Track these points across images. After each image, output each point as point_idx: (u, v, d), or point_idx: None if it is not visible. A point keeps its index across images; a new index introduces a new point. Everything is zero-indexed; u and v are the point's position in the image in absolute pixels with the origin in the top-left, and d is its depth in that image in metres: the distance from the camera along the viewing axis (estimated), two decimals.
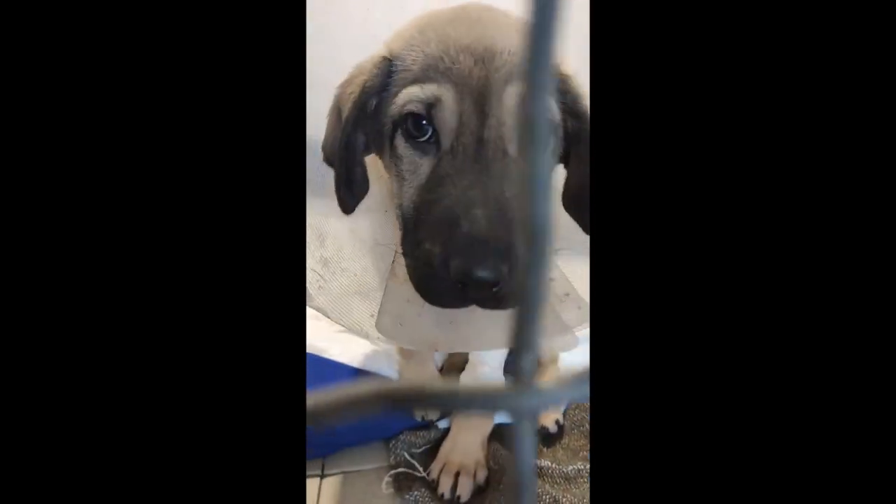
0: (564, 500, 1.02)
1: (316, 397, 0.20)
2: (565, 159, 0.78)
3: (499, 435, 1.14)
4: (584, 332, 0.83)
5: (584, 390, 0.20)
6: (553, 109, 0.73)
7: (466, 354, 1.09)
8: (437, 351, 0.85)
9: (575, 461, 1.12)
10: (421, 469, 1.09)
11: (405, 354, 1.11)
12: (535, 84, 0.14)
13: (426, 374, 1.13)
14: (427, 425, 1.18)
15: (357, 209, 0.77)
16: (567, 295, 0.77)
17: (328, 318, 0.76)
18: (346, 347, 1.05)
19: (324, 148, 0.76)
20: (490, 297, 0.64)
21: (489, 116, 0.67)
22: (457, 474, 1.07)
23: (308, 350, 0.95)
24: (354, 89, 0.73)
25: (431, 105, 0.68)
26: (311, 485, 1.07)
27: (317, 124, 0.74)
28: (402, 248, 0.72)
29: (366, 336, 0.76)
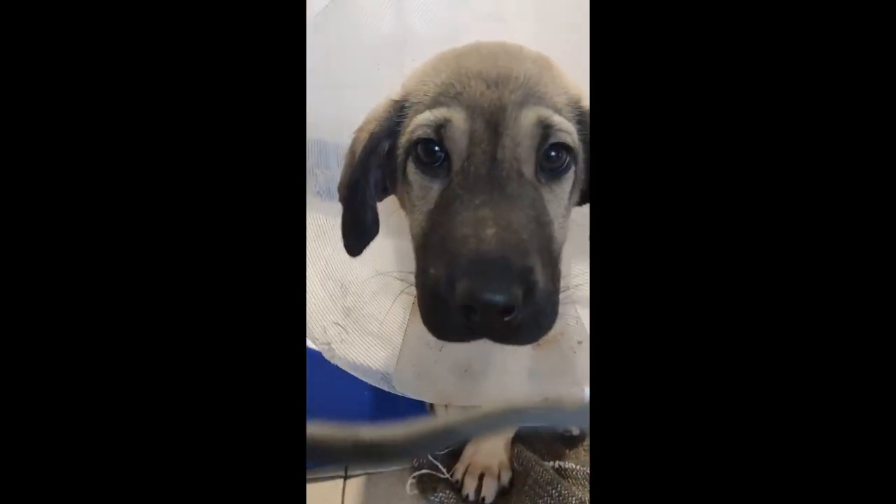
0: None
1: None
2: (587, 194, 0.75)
3: (522, 436, 1.16)
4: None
5: None
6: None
7: None
8: (449, 405, 0.83)
9: None
10: (444, 471, 1.12)
11: None
12: None
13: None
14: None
15: (385, 250, 0.76)
16: (580, 343, 0.75)
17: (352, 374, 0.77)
18: None
19: (339, 189, 0.75)
20: (502, 326, 0.57)
21: (503, 136, 0.64)
22: (481, 476, 1.10)
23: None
24: (365, 135, 0.71)
25: (441, 126, 0.65)
26: (335, 486, 1.11)
27: None
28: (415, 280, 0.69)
29: (391, 389, 0.76)
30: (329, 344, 0.75)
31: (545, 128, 0.64)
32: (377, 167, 0.74)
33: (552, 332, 0.64)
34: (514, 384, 0.72)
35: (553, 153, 0.66)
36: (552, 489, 1.02)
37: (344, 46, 0.80)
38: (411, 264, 0.68)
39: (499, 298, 0.54)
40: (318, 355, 0.92)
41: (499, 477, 1.10)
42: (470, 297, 0.55)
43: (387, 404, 0.87)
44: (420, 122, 0.66)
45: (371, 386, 0.78)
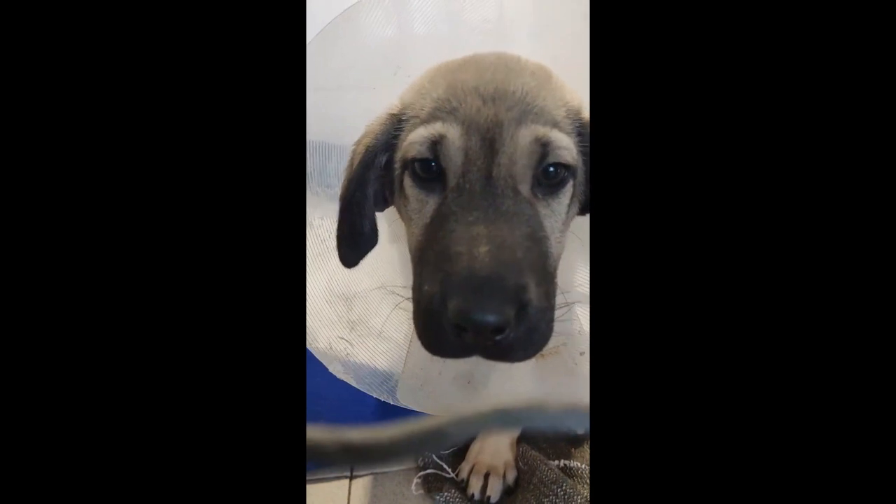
0: None
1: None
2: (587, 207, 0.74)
3: (527, 436, 1.17)
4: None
5: None
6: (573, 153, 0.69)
7: None
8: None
9: None
10: (449, 470, 1.13)
11: None
12: None
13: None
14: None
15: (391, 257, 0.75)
16: (581, 354, 0.75)
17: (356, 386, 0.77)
18: None
19: (340, 200, 0.75)
20: (493, 345, 0.57)
21: (499, 153, 0.63)
22: (486, 475, 1.11)
23: None
24: (362, 148, 0.71)
25: (436, 142, 0.65)
26: (341, 486, 1.13)
27: None
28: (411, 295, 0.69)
29: (395, 402, 0.76)
30: (336, 360, 0.75)
31: (543, 146, 0.64)
32: (376, 179, 0.74)
33: (555, 343, 0.64)
34: (517, 395, 0.72)
35: (551, 169, 0.66)
36: (557, 488, 1.03)
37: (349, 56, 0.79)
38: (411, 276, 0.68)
39: (490, 318, 0.54)
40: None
41: (504, 476, 1.11)
42: (461, 317, 0.54)
43: (389, 412, 0.88)
44: (416, 137, 0.66)
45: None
